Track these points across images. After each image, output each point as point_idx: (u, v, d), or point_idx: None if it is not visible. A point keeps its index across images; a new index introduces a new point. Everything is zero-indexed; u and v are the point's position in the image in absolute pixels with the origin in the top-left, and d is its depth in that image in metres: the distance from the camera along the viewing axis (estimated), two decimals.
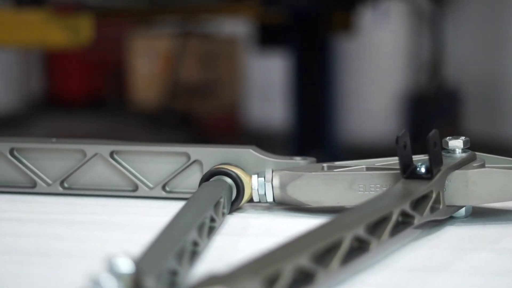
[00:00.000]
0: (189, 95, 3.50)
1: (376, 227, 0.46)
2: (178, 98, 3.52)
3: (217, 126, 3.38)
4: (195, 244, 0.46)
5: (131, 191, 0.62)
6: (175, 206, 0.58)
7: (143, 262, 0.37)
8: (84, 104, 4.07)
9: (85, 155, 0.62)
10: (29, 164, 0.63)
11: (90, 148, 0.62)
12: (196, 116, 3.45)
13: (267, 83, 3.40)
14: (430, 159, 0.51)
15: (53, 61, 4.16)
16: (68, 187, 0.63)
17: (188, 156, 0.61)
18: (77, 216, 0.58)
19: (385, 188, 0.55)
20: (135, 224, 0.56)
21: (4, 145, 0.63)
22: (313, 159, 0.60)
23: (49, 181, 0.63)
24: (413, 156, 0.53)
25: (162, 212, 0.58)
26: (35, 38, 1.67)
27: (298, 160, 0.59)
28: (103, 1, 1.77)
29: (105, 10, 1.85)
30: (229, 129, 3.40)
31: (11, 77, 3.91)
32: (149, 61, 3.61)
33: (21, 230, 0.54)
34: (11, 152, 0.63)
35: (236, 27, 3.27)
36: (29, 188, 0.63)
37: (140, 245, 0.48)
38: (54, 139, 0.64)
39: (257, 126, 3.46)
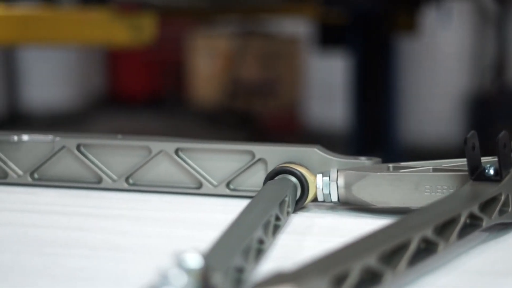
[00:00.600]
0: (249, 95, 3.50)
1: (444, 229, 0.45)
2: (238, 98, 3.53)
3: (276, 126, 3.38)
4: (261, 242, 0.46)
5: (195, 188, 0.62)
6: (238, 204, 0.58)
7: (211, 258, 0.37)
8: (144, 102, 4.11)
9: (150, 152, 0.62)
10: (95, 160, 0.64)
11: (156, 145, 0.62)
12: (256, 116, 3.46)
13: (328, 83, 3.38)
14: (499, 161, 0.50)
15: (115, 59, 4.21)
16: (133, 183, 0.63)
17: (252, 155, 0.61)
18: (142, 212, 0.58)
19: (452, 190, 0.54)
20: (199, 221, 0.56)
21: (71, 141, 0.64)
22: (378, 159, 0.60)
23: (115, 177, 0.63)
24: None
25: (226, 210, 0.58)
26: (99, 37, 1.70)
27: (363, 160, 0.59)
28: (166, 0, 1.78)
29: (168, 9, 1.86)
30: (288, 128, 3.40)
31: (74, 75, 3.98)
32: (209, 60, 3.63)
33: (88, 225, 0.55)
34: (78, 148, 0.64)
35: (297, 26, 3.26)
36: (94, 183, 0.64)
37: (204, 242, 0.48)
38: (120, 136, 0.65)
39: (317, 126, 3.44)
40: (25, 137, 0.64)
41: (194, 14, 2.34)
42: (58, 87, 3.87)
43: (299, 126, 3.51)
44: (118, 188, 0.63)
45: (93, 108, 4.04)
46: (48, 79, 3.84)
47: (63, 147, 0.64)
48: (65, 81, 3.91)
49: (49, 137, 0.64)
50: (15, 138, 0.64)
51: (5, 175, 0.65)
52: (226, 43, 3.59)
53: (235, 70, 3.48)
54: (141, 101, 4.12)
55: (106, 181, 0.63)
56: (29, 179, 0.64)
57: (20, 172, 0.65)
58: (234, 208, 0.58)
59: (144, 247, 0.50)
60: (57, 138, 0.64)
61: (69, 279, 0.44)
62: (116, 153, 0.63)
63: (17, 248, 0.49)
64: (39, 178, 0.65)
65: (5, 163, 0.65)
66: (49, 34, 1.69)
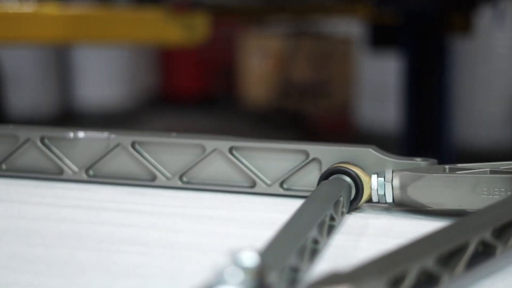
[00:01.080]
0: (300, 95, 3.50)
1: (502, 232, 0.44)
2: (289, 98, 3.53)
3: (327, 126, 3.37)
4: (316, 242, 0.45)
5: (249, 187, 0.62)
6: (292, 204, 0.58)
7: (267, 257, 0.37)
8: (196, 101, 4.13)
9: (204, 150, 0.63)
10: (149, 158, 0.64)
11: (210, 144, 0.62)
12: (307, 116, 3.45)
13: (380, 84, 3.36)
14: None
15: (167, 58, 4.24)
16: (186, 182, 0.63)
17: (307, 154, 0.60)
18: (195, 210, 0.58)
19: (510, 193, 0.53)
20: (253, 220, 0.56)
21: (126, 139, 0.64)
22: (434, 160, 0.59)
23: (169, 175, 0.64)
24: None
25: (280, 209, 0.58)
26: (153, 36, 1.71)
27: (419, 161, 0.58)
28: (219, 0, 1.78)
29: (221, 9, 1.87)
30: (339, 129, 3.38)
31: (127, 74, 4.02)
32: (261, 60, 3.64)
33: (143, 222, 0.55)
34: (133, 145, 0.64)
35: (349, 27, 3.25)
36: (149, 181, 0.64)
37: (258, 241, 0.48)
38: (174, 134, 0.65)
39: (368, 127, 3.42)
40: (81, 134, 0.65)
41: (247, 13, 2.34)
42: (111, 85, 3.92)
43: (350, 127, 3.49)
44: (172, 186, 0.63)
45: (145, 107, 4.08)
46: (102, 77, 3.89)
47: (118, 145, 0.64)
48: (118, 80, 3.95)
49: (104, 135, 0.65)
50: (71, 135, 0.65)
51: (61, 171, 0.65)
52: (278, 43, 3.59)
53: (287, 70, 3.48)
54: (192, 100, 4.15)
55: (160, 179, 0.63)
56: (84, 176, 0.65)
57: (76, 169, 0.65)
58: (287, 207, 0.58)
59: (198, 245, 0.50)
60: (112, 136, 0.64)
61: (125, 276, 0.44)
62: (170, 151, 0.64)
63: (73, 244, 0.50)
64: (94, 175, 0.65)
65: (61, 159, 0.65)
66: (104, 33, 1.71)
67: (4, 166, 0.67)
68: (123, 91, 4.00)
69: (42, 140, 0.66)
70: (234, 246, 0.47)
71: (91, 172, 0.65)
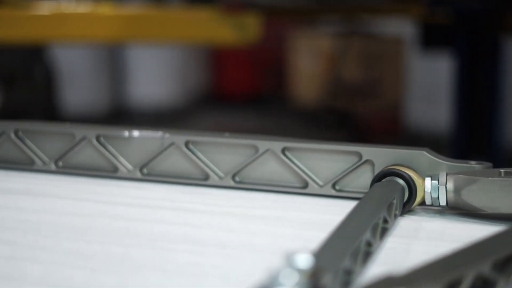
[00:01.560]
0: (350, 95, 3.49)
1: None
2: (339, 98, 3.51)
3: (377, 127, 3.35)
4: (369, 244, 0.45)
5: (301, 188, 0.62)
6: (344, 205, 0.58)
7: (321, 259, 0.37)
8: (246, 100, 4.14)
9: (257, 150, 0.63)
10: (202, 157, 0.65)
11: (263, 144, 0.63)
12: (356, 116, 3.44)
13: (431, 85, 3.33)
14: None
15: (218, 58, 4.26)
16: (239, 181, 0.64)
17: (359, 156, 0.60)
18: (248, 210, 0.59)
19: None
20: (305, 221, 0.56)
21: (180, 138, 0.65)
22: (489, 164, 0.58)
23: (221, 174, 0.64)
24: None
25: (332, 211, 0.58)
26: (205, 35, 1.72)
27: (474, 165, 0.57)
28: (271, 0, 1.79)
29: (272, 9, 1.87)
30: (389, 130, 3.36)
31: (178, 73, 4.05)
32: (311, 59, 3.63)
33: (196, 221, 0.56)
34: (187, 144, 0.65)
35: (401, 27, 3.22)
36: (201, 180, 0.65)
37: (311, 242, 0.48)
38: (227, 134, 0.65)
39: (418, 128, 3.40)
40: (135, 133, 0.66)
41: (298, 13, 2.34)
42: (163, 84, 3.95)
43: (400, 128, 3.47)
44: (225, 186, 0.64)
45: (195, 105, 4.10)
46: (153, 76, 3.92)
47: (172, 144, 0.65)
48: (169, 78, 3.99)
49: (158, 134, 0.65)
50: (126, 133, 0.66)
51: (116, 169, 0.66)
52: (329, 42, 3.58)
53: (337, 70, 3.47)
54: (242, 99, 4.16)
55: (213, 178, 0.64)
56: (139, 174, 0.66)
57: (130, 167, 0.66)
58: (339, 209, 0.58)
59: (251, 245, 0.50)
60: (167, 135, 0.65)
61: (179, 274, 0.44)
62: (224, 150, 0.64)
63: (128, 242, 0.50)
64: (148, 173, 0.66)
65: (116, 158, 0.66)
66: (157, 33, 1.72)
67: (60, 163, 0.69)
68: (174, 89, 4.03)
69: (98, 138, 0.67)
70: (287, 247, 0.47)
71: (145, 170, 0.66)
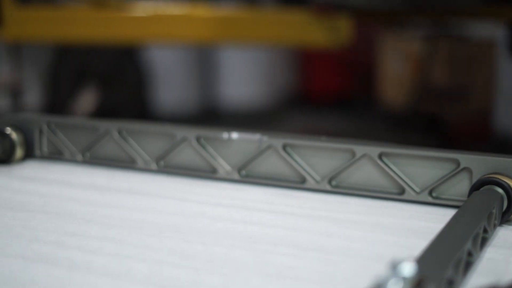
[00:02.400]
0: (438, 99, 3.44)
1: None
2: (427, 101, 3.47)
3: (466, 132, 3.29)
4: (470, 254, 0.45)
5: (397, 194, 0.62)
6: (441, 213, 0.58)
7: (424, 268, 0.37)
8: (333, 102, 4.14)
9: (354, 155, 0.64)
10: (299, 160, 0.66)
11: (360, 149, 0.63)
12: (444, 121, 3.38)
13: None
14: None
15: (305, 59, 4.27)
16: (335, 185, 0.65)
17: (457, 163, 0.60)
18: (344, 215, 0.59)
19: None
20: (402, 227, 0.56)
21: (278, 141, 0.66)
22: None
23: (318, 178, 0.65)
24: None
25: (429, 218, 0.58)
26: (298, 37, 1.73)
27: None
28: (363, 2, 1.78)
29: (364, 11, 1.86)
30: (478, 135, 3.30)
31: (266, 74, 4.07)
32: (399, 62, 3.60)
33: (293, 224, 0.56)
34: (284, 147, 0.66)
35: (491, 30, 3.16)
36: (298, 183, 0.66)
37: (409, 249, 0.49)
38: (324, 137, 0.66)
39: (509, 134, 3.33)
40: (234, 135, 0.67)
41: (390, 16, 2.33)
42: (251, 85, 3.98)
43: (489, 133, 3.40)
44: (321, 189, 0.65)
45: (283, 107, 4.11)
46: (242, 77, 3.95)
47: (269, 146, 0.66)
48: (258, 80, 4.01)
49: (257, 136, 0.67)
50: (226, 135, 0.67)
51: (214, 170, 0.68)
52: (417, 45, 3.54)
53: (425, 73, 3.42)
54: (330, 101, 4.15)
55: (310, 182, 0.65)
56: (237, 176, 0.67)
57: (229, 168, 0.68)
58: (436, 216, 0.58)
59: (349, 250, 0.51)
60: (265, 138, 0.66)
61: (279, 277, 0.45)
62: (320, 154, 0.65)
63: (229, 243, 0.51)
64: (246, 175, 0.67)
65: (215, 159, 0.68)
66: (250, 34, 1.74)
67: (161, 163, 0.71)
68: (263, 90, 4.05)
69: (198, 139, 0.69)
70: (385, 254, 0.48)
71: (243, 172, 0.67)
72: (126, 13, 1.76)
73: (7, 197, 0.64)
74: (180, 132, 0.69)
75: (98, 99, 3.23)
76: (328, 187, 0.64)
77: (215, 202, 0.62)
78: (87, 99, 3.23)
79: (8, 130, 0.75)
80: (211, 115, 3.87)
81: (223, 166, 0.68)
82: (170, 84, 3.72)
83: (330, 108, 4.01)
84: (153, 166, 0.71)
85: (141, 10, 1.77)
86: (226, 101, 3.97)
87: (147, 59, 3.46)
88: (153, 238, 0.52)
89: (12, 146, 0.74)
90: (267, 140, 0.66)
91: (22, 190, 0.66)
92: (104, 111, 3.12)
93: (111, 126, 0.72)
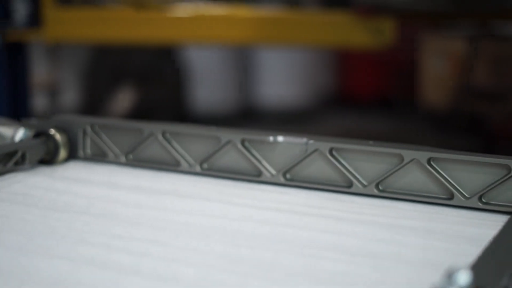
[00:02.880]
0: (479, 99, 3.40)
1: None
2: (468, 101, 3.43)
3: (507, 133, 3.25)
4: None
5: (446, 199, 0.61)
6: (491, 218, 0.57)
7: (480, 276, 0.36)
8: (372, 102, 4.11)
9: (402, 159, 0.62)
10: (346, 164, 0.65)
11: (408, 154, 0.62)
12: (486, 122, 3.34)
13: None
14: None
15: (344, 60, 4.25)
16: (382, 190, 0.64)
17: (508, 169, 0.59)
18: (393, 220, 0.58)
19: None
20: (453, 233, 0.55)
21: (324, 145, 0.65)
22: None
23: (365, 182, 0.64)
24: None
25: (479, 224, 0.57)
26: (340, 39, 1.71)
27: None
28: (407, 4, 1.76)
29: (407, 12, 1.84)
30: None
31: (304, 74, 4.06)
32: (441, 62, 3.56)
33: (342, 228, 0.56)
34: (331, 151, 0.65)
35: None
36: (344, 187, 0.65)
37: (461, 256, 0.48)
38: (371, 142, 0.65)
39: None
40: (280, 138, 0.67)
41: (435, 17, 2.30)
42: (290, 85, 3.97)
43: None
44: (368, 194, 0.64)
45: (322, 107, 4.10)
46: (281, 77, 3.95)
47: (316, 150, 0.65)
48: (297, 80, 4.00)
49: (303, 140, 0.66)
50: (271, 138, 0.67)
51: (259, 173, 0.67)
52: (459, 45, 3.50)
53: (467, 73, 3.39)
54: (369, 101, 4.13)
55: (357, 186, 0.64)
56: (282, 179, 0.67)
57: (274, 172, 0.67)
58: (487, 222, 0.57)
59: (400, 256, 0.50)
60: (311, 141, 0.65)
61: (329, 283, 0.45)
62: (368, 158, 0.64)
63: (276, 248, 0.51)
64: (291, 178, 0.67)
65: (260, 162, 0.67)
66: (292, 36, 1.73)
67: (205, 166, 0.70)
68: (301, 90, 4.04)
69: (242, 142, 0.68)
70: (437, 261, 0.47)
71: (288, 175, 0.67)
72: (167, 14, 1.76)
73: (51, 198, 0.64)
74: (225, 135, 0.69)
75: (136, 99, 3.24)
76: (375, 192, 0.63)
77: (261, 205, 0.61)
78: (124, 99, 3.25)
79: (52, 131, 0.75)
80: (249, 115, 3.86)
81: (268, 169, 0.67)
82: (209, 83, 3.72)
83: (370, 109, 3.99)
84: (197, 168, 0.70)
85: (182, 11, 1.77)
86: (264, 101, 3.97)
87: (185, 59, 3.46)
88: (200, 242, 0.52)
89: (55, 147, 0.74)
90: (313, 144, 0.65)
91: (67, 191, 0.66)
92: (141, 111, 3.13)
93: (156, 129, 0.72)
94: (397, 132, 3.27)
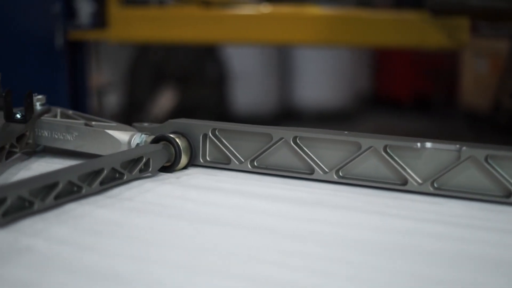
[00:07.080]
0: None
1: None
2: (509, 102, 3.38)
3: None
4: None
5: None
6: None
7: None
8: (411, 102, 4.07)
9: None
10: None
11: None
12: None
13: None
14: None
15: (383, 60, 4.21)
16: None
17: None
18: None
19: None
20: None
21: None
22: None
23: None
24: None
25: None
26: (414, 38, 1.67)
27: None
28: (482, 2, 1.71)
29: (483, 10, 1.79)
30: None
31: (342, 74, 4.02)
32: (482, 61, 3.51)
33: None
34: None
35: None
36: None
37: None
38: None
39: None
40: (428, 145, 0.63)
41: (503, 17, 2.25)
42: (328, 86, 3.94)
43: None
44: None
45: (360, 108, 4.07)
46: (319, 78, 3.91)
47: (469, 157, 0.61)
48: (335, 80, 3.96)
49: (454, 146, 0.62)
50: (418, 145, 0.63)
51: (405, 182, 0.64)
52: (499, 45, 3.45)
53: (509, 73, 3.33)
54: (408, 101, 4.09)
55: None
56: (430, 188, 0.63)
57: (420, 180, 0.63)
58: None
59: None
60: (464, 148, 0.61)
61: None
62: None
63: (431, 261, 0.47)
64: (438, 187, 0.63)
65: (404, 169, 0.63)
66: (364, 35, 1.69)
67: (341, 173, 0.66)
68: (340, 91, 4.00)
69: (385, 148, 0.64)
70: None
71: (435, 184, 0.63)
72: (233, 12, 1.73)
73: (193, 209, 0.59)
74: (365, 141, 0.65)
75: (178, 99, 3.22)
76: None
77: (407, 216, 0.58)
78: (166, 98, 3.23)
79: (173, 136, 0.71)
80: (288, 116, 3.84)
81: (414, 177, 0.63)
82: (249, 83, 3.69)
83: (409, 109, 3.95)
84: (333, 176, 0.66)
85: (247, 9, 1.74)
86: (303, 102, 3.93)
87: (227, 59, 3.44)
88: (379, 257, 0.48)
89: (177, 153, 0.71)
90: (466, 151, 0.61)
91: (207, 201, 0.61)
92: (185, 109, 3.11)
93: (286, 134, 0.68)
94: (437, 133, 3.23)
